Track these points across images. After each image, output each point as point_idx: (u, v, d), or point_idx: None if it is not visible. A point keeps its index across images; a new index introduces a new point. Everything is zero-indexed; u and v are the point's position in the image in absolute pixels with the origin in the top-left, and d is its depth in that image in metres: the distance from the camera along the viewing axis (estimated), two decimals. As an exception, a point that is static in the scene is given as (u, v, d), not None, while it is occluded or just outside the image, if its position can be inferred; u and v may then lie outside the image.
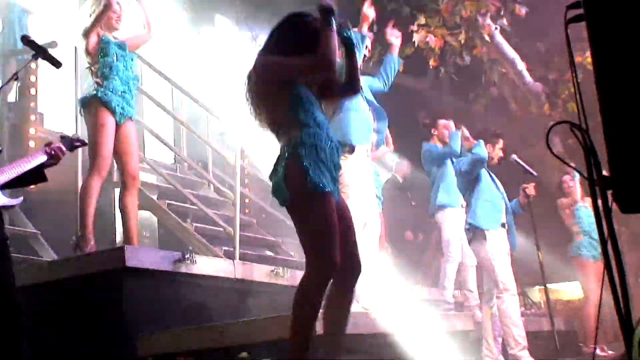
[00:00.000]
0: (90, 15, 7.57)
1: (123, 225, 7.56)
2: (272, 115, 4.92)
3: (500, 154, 8.95)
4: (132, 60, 7.79)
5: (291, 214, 4.83)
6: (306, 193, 4.67)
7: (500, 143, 8.97)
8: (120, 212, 7.62)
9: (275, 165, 4.84)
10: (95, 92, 7.47)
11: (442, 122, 10.13)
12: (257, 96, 4.92)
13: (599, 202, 2.92)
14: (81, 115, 7.72)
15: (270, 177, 4.87)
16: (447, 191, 9.85)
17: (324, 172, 4.72)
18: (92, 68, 7.58)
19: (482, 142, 8.65)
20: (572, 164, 5.33)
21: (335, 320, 4.89)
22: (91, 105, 7.47)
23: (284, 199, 4.74)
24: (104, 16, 7.54)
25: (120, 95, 7.56)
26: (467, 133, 9.02)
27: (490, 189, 8.67)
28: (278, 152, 4.89)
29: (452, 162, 9.65)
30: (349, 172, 6.88)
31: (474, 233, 8.61)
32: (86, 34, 7.53)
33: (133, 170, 7.67)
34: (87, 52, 7.58)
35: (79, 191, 7.49)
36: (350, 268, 4.86)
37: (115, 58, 7.61)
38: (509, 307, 8.39)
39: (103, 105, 7.42)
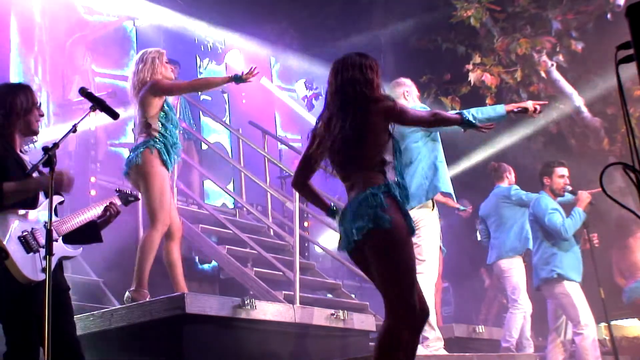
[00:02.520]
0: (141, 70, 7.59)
1: (172, 275, 7.49)
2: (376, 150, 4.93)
3: (561, 181, 8.80)
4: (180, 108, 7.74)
5: (379, 250, 4.72)
6: (405, 234, 4.72)
7: (557, 172, 8.83)
8: (168, 262, 7.54)
9: (361, 196, 4.78)
10: (155, 144, 7.43)
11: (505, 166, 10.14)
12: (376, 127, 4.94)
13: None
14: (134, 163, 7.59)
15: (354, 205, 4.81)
16: (519, 237, 9.73)
17: None
18: (149, 121, 7.54)
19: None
20: (628, 204, 5.23)
21: None
22: (150, 157, 7.38)
23: (379, 227, 4.66)
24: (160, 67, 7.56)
25: (173, 148, 7.54)
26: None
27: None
28: (360, 185, 4.86)
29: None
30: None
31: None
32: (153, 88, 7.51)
33: (178, 221, 7.64)
34: (149, 106, 7.56)
35: (140, 244, 7.39)
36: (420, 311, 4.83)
37: (169, 108, 7.59)
38: (590, 344, 8.32)
39: (161, 158, 7.37)
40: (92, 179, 9.70)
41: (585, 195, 8.61)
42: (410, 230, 4.77)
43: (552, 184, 8.81)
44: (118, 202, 5.54)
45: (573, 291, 8.49)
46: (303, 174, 5.27)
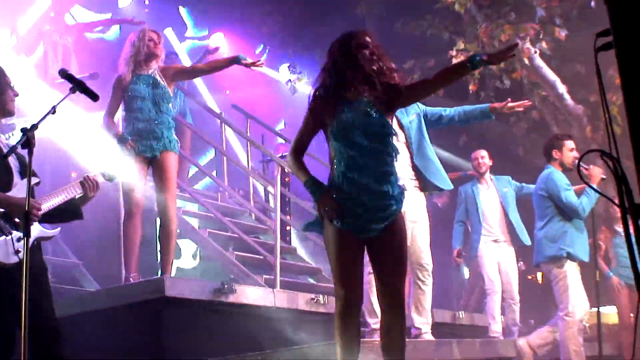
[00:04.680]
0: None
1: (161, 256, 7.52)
2: None
3: (572, 155, 8.58)
4: (160, 91, 7.63)
5: None
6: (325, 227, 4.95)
7: (567, 145, 8.54)
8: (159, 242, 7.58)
9: None
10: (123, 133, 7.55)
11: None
12: None
13: (631, 229, 2.89)
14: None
15: None
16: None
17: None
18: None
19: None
20: (608, 192, 5.23)
21: (387, 352, 4.95)
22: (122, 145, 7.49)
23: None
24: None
25: (144, 133, 7.51)
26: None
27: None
28: None
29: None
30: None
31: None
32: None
33: (163, 207, 7.53)
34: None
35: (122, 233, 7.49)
36: (389, 303, 4.90)
37: (138, 96, 7.56)
38: (573, 332, 8.24)
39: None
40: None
41: (597, 171, 8.30)
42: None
43: (563, 157, 8.46)
44: (101, 179, 5.50)
45: (572, 274, 8.30)
46: None
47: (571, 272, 8.30)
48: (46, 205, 5.07)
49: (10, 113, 5.22)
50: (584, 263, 8.49)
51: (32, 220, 4.84)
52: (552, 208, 8.39)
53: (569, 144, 8.57)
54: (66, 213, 5.31)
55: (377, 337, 6.64)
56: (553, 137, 8.86)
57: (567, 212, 8.31)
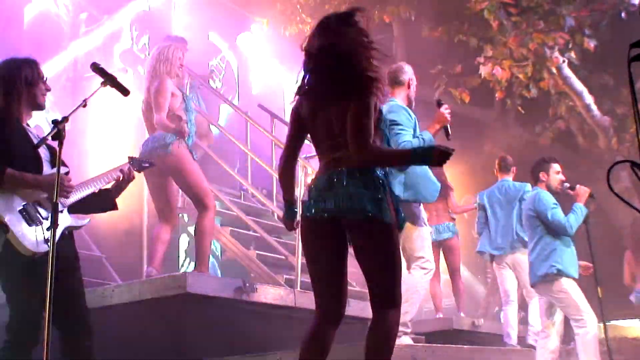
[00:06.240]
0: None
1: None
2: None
3: (558, 178, 8.70)
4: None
5: (379, 242, 4.50)
6: (394, 226, 4.49)
7: (554, 167, 8.67)
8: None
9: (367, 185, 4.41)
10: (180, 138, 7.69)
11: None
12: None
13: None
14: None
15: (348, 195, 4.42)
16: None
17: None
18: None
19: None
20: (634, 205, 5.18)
21: None
22: (180, 147, 7.63)
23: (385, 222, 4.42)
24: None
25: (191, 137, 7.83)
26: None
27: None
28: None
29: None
30: None
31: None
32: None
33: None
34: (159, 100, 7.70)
35: (202, 229, 7.61)
36: None
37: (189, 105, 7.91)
38: (591, 338, 8.23)
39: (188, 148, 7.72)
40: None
41: (583, 190, 8.42)
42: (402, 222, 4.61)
43: (549, 180, 8.58)
44: (132, 169, 5.56)
45: (571, 288, 8.38)
46: None
47: (569, 286, 8.33)
48: (73, 196, 5.10)
49: (40, 107, 5.26)
50: (588, 279, 8.53)
51: (64, 196, 4.93)
52: (540, 227, 8.48)
53: (556, 166, 8.70)
54: (100, 204, 5.36)
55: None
56: (540, 160, 8.94)
57: (554, 230, 8.39)
